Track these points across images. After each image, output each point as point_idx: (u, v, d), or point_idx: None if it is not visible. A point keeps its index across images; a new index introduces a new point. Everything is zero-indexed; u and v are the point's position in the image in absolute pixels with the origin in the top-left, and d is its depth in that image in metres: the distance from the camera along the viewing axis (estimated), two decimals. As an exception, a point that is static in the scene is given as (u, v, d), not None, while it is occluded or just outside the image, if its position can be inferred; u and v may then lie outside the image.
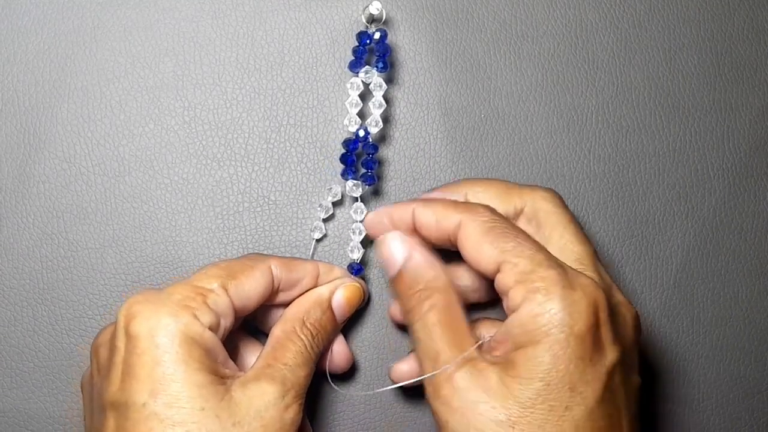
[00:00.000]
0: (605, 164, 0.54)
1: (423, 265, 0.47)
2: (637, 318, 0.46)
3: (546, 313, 0.42)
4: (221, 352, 0.45)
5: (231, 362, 0.46)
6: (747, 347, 0.55)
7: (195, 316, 0.44)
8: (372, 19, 0.51)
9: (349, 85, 0.51)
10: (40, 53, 0.53)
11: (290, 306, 0.49)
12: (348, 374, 0.52)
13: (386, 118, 0.53)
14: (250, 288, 0.46)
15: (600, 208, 0.54)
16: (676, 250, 0.55)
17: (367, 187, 0.52)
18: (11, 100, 0.53)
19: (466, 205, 0.47)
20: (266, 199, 0.53)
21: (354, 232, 0.52)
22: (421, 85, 0.54)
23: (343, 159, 0.51)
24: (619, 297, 0.46)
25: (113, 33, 0.53)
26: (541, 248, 0.45)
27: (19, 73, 0.53)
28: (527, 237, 0.45)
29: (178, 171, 0.53)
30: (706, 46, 0.55)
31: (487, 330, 0.48)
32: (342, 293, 0.50)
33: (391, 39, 0.53)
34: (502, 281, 0.44)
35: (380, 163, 0.53)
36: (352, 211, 0.52)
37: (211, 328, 0.44)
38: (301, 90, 0.53)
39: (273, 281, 0.48)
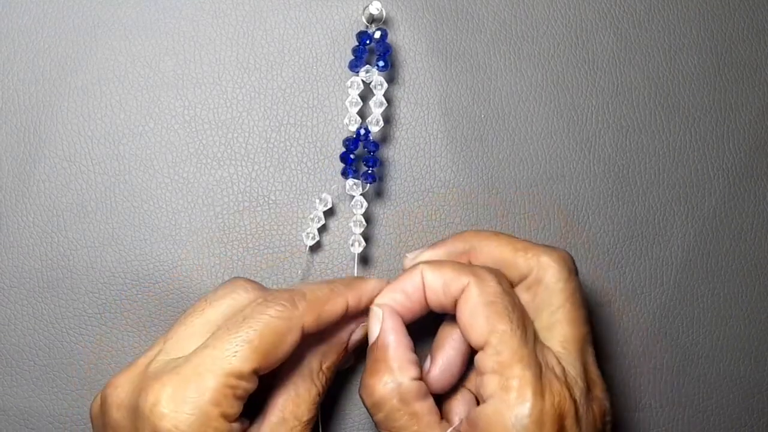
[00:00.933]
0: (605, 164, 0.54)
1: (393, 345, 0.46)
2: (605, 414, 0.46)
3: (513, 417, 0.43)
4: (240, 430, 0.44)
5: (246, 421, 0.45)
6: (747, 347, 0.55)
7: (224, 416, 0.42)
8: (372, 19, 0.51)
9: (349, 84, 0.51)
10: (40, 52, 0.53)
11: (306, 345, 0.47)
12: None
13: (386, 118, 0.53)
14: (278, 360, 0.44)
15: (600, 208, 0.54)
16: (676, 250, 0.55)
17: (368, 185, 0.51)
18: (12, 99, 0.53)
19: (475, 269, 0.46)
20: (266, 199, 0.53)
21: (355, 225, 0.51)
22: (421, 85, 0.54)
23: (343, 158, 0.51)
24: (596, 392, 0.46)
25: (113, 32, 0.53)
26: (528, 340, 0.45)
27: (19, 72, 0.53)
28: (522, 322, 0.45)
29: (178, 170, 0.53)
30: (706, 46, 0.55)
31: (462, 404, 0.48)
32: (360, 333, 0.49)
33: (391, 39, 0.53)
34: (482, 362, 0.45)
35: (381, 162, 0.53)
36: (351, 204, 0.52)
37: (237, 419, 0.43)
38: (301, 89, 0.53)
39: (301, 337, 0.45)
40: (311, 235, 0.52)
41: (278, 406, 0.46)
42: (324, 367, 0.47)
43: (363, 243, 0.51)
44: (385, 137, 0.53)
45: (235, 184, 0.53)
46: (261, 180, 0.53)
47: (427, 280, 0.47)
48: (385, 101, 0.51)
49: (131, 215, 0.53)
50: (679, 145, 0.55)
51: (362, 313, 0.48)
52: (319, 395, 0.47)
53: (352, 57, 0.51)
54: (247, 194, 0.53)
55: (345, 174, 0.51)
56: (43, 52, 0.53)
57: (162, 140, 0.53)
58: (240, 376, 0.42)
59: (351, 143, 0.51)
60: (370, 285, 0.48)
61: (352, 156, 0.51)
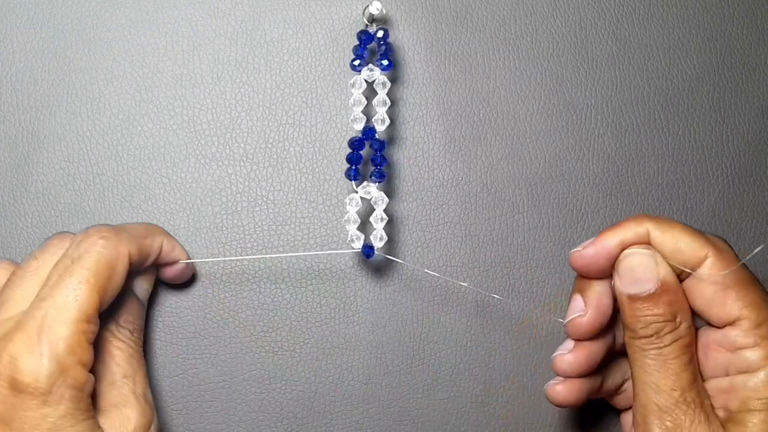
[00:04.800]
0: (604, 163, 0.54)
1: (679, 290, 0.45)
2: None
3: None
4: (94, 384, 0.44)
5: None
6: (746, 347, 0.55)
7: (81, 364, 0.42)
8: (372, 19, 0.51)
9: (351, 83, 0.50)
10: (38, 52, 0.53)
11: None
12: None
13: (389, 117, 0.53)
14: (114, 292, 0.44)
15: (600, 208, 0.54)
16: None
17: (378, 184, 0.50)
18: (10, 100, 0.52)
19: (712, 240, 0.45)
20: (265, 199, 0.53)
21: (375, 220, 0.50)
22: (421, 85, 0.54)
23: (349, 158, 0.51)
24: None
25: (112, 32, 0.53)
26: None
27: (17, 72, 0.53)
28: (764, 293, 0.45)
29: (176, 170, 0.53)
30: (705, 46, 0.55)
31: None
32: (141, 279, 0.49)
33: (391, 38, 0.52)
34: (736, 338, 0.44)
35: (389, 161, 0.53)
36: (372, 201, 0.50)
37: (91, 364, 0.43)
38: (300, 89, 0.53)
39: (129, 265, 0.45)
40: (355, 236, 0.50)
41: (108, 375, 0.46)
42: (121, 320, 0.47)
43: (385, 237, 0.50)
44: (386, 137, 0.53)
45: (234, 185, 0.53)
46: (259, 180, 0.53)
47: (658, 240, 0.45)
48: (388, 100, 0.50)
49: (129, 216, 0.52)
50: (678, 145, 0.55)
51: (165, 264, 0.49)
52: (130, 347, 0.47)
53: (354, 56, 0.51)
54: (246, 194, 0.53)
55: (348, 175, 0.51)
56: (41, 52, 0.53)
57: (160, 140, 0.53)
58: (89, 320, 0.43)
59: (356, 142, 0.50)
60: (177, 244, 0.50)
61: (360, 154, 0.50)
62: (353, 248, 0.50)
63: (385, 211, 0.52)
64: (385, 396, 0.53)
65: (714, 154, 0.55)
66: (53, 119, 0.53)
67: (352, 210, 0.50)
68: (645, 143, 0.55)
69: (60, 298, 0.42)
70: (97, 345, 0.45)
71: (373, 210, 0.50)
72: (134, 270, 0.47)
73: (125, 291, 0.47)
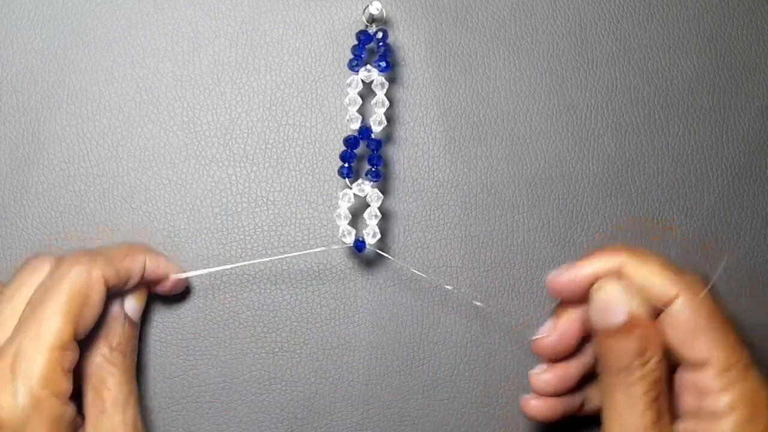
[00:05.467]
0: (604, 164, 0.54)
1: (650, 325, 0.44)
2: None
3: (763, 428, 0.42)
4: (74, 413, 0.44)
5: (77, 417, 0.45)
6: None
7: (56, 395, 0.42)
8: (372, 19, 0.51)
9: (348, 83, 0.50)
10: (38, 53, 0.53)
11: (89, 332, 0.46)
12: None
13: (386, 118, 0.53)
14: (91, 319, 0.44)
15: (600, 208, 0.54)
16: (675, 249, 0.55)
17: (373, 183, 0.51)
18: (10, 101, 0.52)
19: (685, 278, 0.45)
20: (265, 200, 0.53)
21: (369, 217, 0.50)
22: (420, 85, 0.54)
23: (343, 156, 0.51)
24: None
25: (112, 33, 0.53)
26: (751, 358, 0.44)
27: (17, 73, 0.53)
28: (737, 335, 0.44)
29: (176, 171, 0.53)
30: (705, 46, 0.55)
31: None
32: (131, 302, 0.49)
33: (390, 39, 0.52)
34: (705, 380, 0.43)
35: (385, 161, 0.53)
36: (367, 198, 0.51)
37: (69, 394, 0.43)
38: (300, 90, 0.53)
39: (106, 292, 0.45)
40: (347, 231, 0.50)
41: (94, 401, 0.45)
42: (113, 343, 0.47)
43: (378, 234, 0.51)
44: (383, 137, 0.53)
45: (234, 185, 0.53)
46: (260, 181, 0.53)
47: (628, 272, 0.45)
48: (387, 101, 0.50)
49: (129, 217, 0.52)
50: (678, 145, 0.55)
51: (154, 281, 0.49)
52: (122, 373, 0.46)
53: (352, 56, 0.51)
54: (246, 195, 0.53)
55: (341, 173, 0.51)
56: (41, 53, 0.53)
57: (160, 141, 0.53)
58: (64, 347, 0.42)
59: (351, 141, 0.50)
60: (163, 259, 0.50)
61: (353, 152, 0.50)
62: (344, 243, 0.50)
63: (383, 210, 0.52)
64: (385, 397, 0.53)
65: (714, 154, 0.55)
66: (53, 120, 0.53)
67: (344, 205, 0.50)
68: (645, 143, 0.55)
69: (33, 329, 0.43)
70: (88, 371, 0.46)
71: (368, 207, 0.51)
72: (113, 293, 0.47)
73: (112, 313, 0.47)
